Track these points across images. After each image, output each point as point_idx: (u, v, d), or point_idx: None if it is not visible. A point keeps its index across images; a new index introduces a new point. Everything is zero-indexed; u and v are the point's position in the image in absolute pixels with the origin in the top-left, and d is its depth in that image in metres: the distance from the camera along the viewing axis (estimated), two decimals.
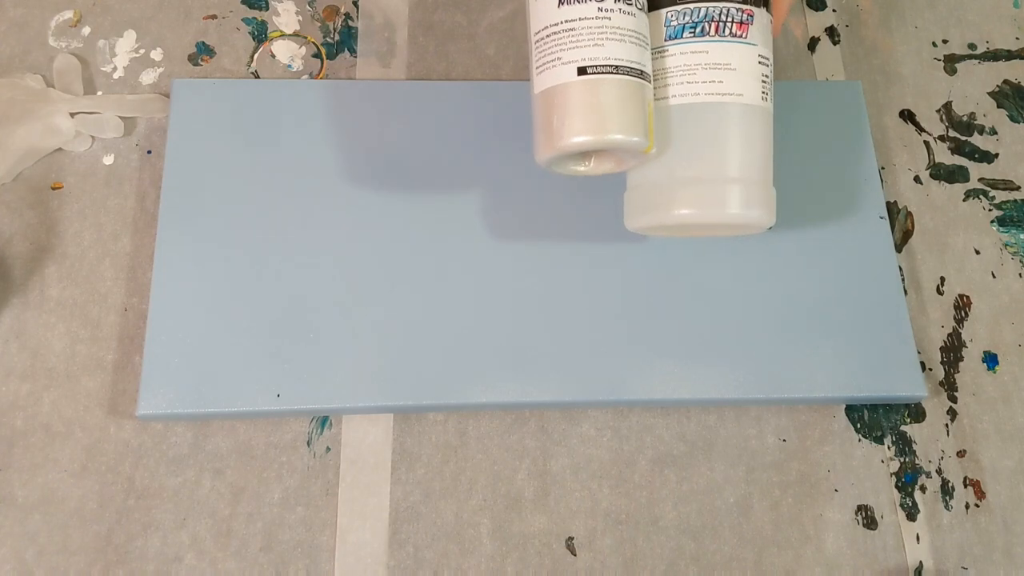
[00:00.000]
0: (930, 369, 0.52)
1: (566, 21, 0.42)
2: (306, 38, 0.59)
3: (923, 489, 0.49)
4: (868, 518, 0.48)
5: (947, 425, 0.51)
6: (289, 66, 0.57)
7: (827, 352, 0.50)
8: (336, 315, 0.49)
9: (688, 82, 0.44)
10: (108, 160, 0.54)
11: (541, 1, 0.43)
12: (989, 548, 0.48)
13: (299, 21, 0.59)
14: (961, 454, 0.50)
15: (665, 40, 0.44)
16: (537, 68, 0.43)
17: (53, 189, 0.53)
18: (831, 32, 0.61)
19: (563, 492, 0.48)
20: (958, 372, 0.52)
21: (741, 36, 0.44)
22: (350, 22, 0.59)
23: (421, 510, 0.47)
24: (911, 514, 0.48)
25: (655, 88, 0.44)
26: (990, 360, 0.52)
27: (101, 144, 0.54)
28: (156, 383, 0.47)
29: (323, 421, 0.49)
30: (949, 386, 0.52)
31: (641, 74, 0.42)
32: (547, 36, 0.42)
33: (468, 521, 0.47)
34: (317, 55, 0.58)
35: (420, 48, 0.59)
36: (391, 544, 0.46)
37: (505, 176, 0.53)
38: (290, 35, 0.59)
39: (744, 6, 0.44)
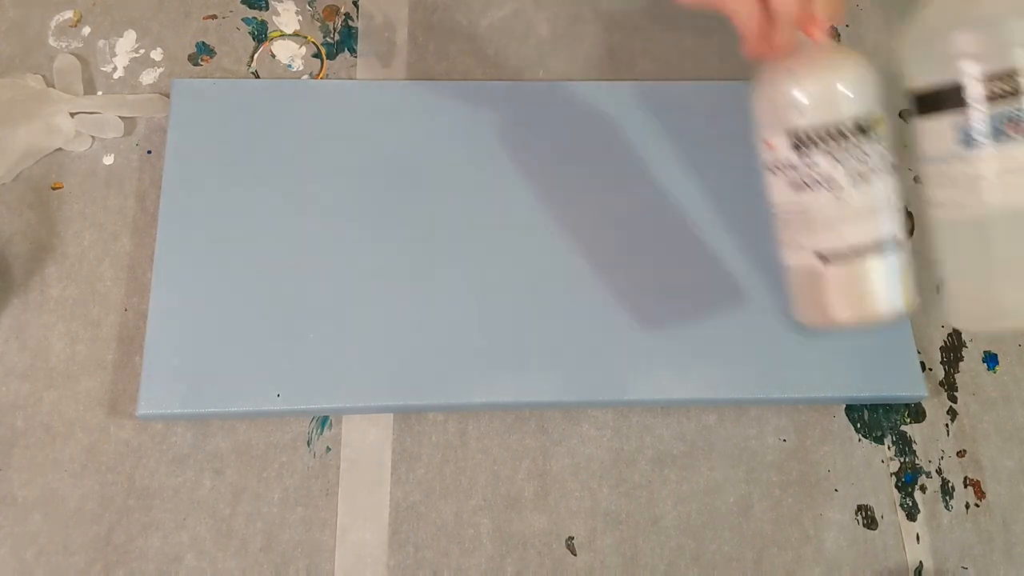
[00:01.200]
0: (930, 369, 0.52)
1: (801, 205, 0.40)
2: (306, 38, 0.59)
3: (923, 489, 0.49)
4: (868, 518, 0.48)
5: (947, 425, 0.51)
6: (289, 66, 0.57)
7: (827, 352, 0.50)
8: (336, 315, 0.49)
9: (1009, 186, 0.39)
10: (108, 160, 0.54)
11: (776, 180, 0.41)
12: (989, 548, 0.48)
13: (299, 21, 0.59)
14: (961, 454, 0.50)
15: (978, 140, 0.39)
16: (782, 240, 0.42)
17: (53, 189, 0.53)
18: (831, 32, 0.61)
19: (563, 492, 0.48)
20: (958, 372, 0.52)
21: None
22: (350, 22, 0.59)
23: (421, 510, 0.47)
24: (911, 514, 0.48)
25: (967, 194, 0.40)
26: (990, 360, 0.52)
27: (101, 144, 0.54)
28: (156, 383, 0.47)
29: (323, 421, 0.49)
30: (949, 386, 0.52)
31: (882, 246, 0.40)
32: (785, 214, 0.41)
33: (468, 521, 0.47)
34: (317, 55, 0.58)
35: (420, 48, 0.59)
36: (391, 544, 0.46)
37: (505, 176, 0.53)
38: (290, 35, 0.59)
39: None
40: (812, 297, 0.41)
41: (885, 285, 0.40)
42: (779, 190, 0.41)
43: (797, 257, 0.41)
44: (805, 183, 0.39)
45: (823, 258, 0.40)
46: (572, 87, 0.57)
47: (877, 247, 0.39)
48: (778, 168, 0.40)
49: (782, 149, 0.40)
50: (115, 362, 0.49)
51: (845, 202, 0.39)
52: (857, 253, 0.39)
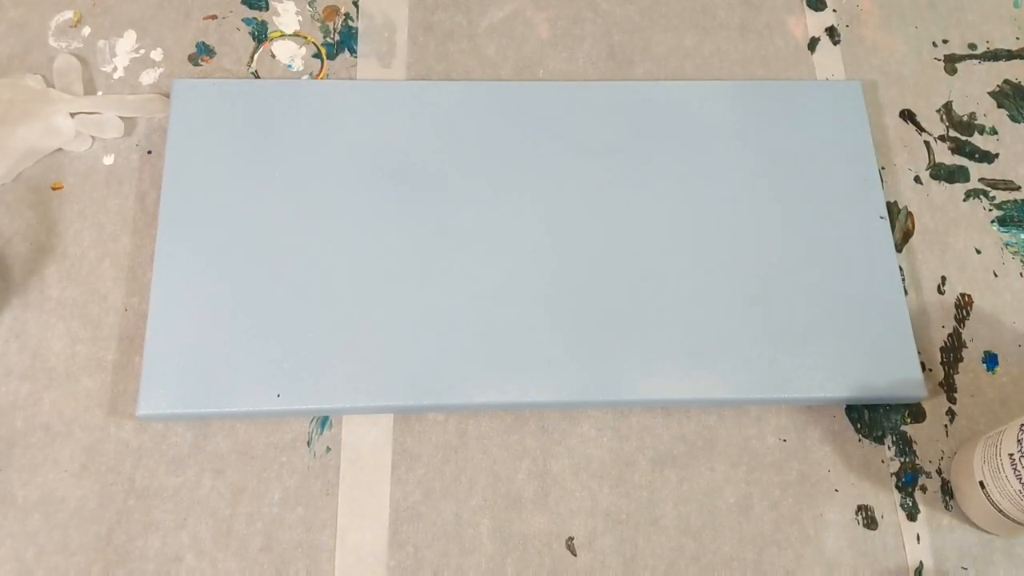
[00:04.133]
0: (930, 370, 0.52)
1: None
2: (306, 38, 0.59)
3: (923, 489, 0.49)
4: (868, 518, 0.48)
5: (946, 426, 0.51)
6: (289, 66, 0.57)
7: (827, 352, 0.50)
8: (336, 315, 0.49)
9: None
10: (108, 160, 0.54)
11: None
12: (989, 548, 0.48)
13: (299, 21, 0.59)
14: None
15: None
16: None
17: (53, 189, 0.53)
18: (831, 32, 0.61)
19: (563, 492, 0.48)
20: (957, 373, 0.52)
21: None
22: (350, 22, 0.59)
23: (421, 510, 0.47)
24: (911, 514, 0.48)
25: None
26: (990, 360, 0.52)
27: (101, 144, 0.54)
28: (156, 383, 0.47)
29: (323, 421, 0.49)
30: (948, 387, 0.52)
31: None
32: None
33: (468, 521, 0.47)
34: (317, 55, 0.58)
35: (420, 48, 0.59)
36: (391, 544, 0.46)
37: (505, 176, 0.53)
38: (290, 35, 0.59)
39: None
40: None
41: None
42: None
43: None
44: None
45: None
46: (572, 87, 0.57)
47: None
48: None
49: None
50: (115, 362, 0.49)
51: None
52: None
